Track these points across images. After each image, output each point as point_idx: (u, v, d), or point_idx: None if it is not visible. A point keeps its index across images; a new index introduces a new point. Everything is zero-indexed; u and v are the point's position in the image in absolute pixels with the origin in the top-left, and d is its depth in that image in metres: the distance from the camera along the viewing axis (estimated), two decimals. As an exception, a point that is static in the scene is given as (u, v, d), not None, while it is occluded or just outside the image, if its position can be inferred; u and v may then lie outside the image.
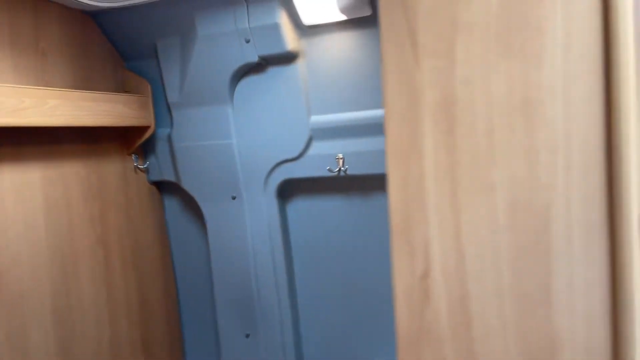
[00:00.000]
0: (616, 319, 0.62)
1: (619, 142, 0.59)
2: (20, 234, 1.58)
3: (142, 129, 2.00)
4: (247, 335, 2.07)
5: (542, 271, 0.64)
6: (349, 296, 2.01)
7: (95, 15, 1.87)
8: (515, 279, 0.65)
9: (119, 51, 1.99)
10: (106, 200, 1.91)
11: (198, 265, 2.24)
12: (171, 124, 2.02)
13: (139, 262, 2.07)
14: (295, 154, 1.90)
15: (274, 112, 1.89)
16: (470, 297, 0.67)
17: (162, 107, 2.05)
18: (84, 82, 1.83)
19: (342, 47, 1.81)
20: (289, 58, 1.83)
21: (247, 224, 1.99)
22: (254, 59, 1.80)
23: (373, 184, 1.90)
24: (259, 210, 1.98)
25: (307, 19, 1.74)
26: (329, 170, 1.86)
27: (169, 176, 2.10)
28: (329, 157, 1.87)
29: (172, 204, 2.24)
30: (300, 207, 2.04)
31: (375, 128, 1.77)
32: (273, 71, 1.87)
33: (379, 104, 1.75)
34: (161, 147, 2.08)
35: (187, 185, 2.04)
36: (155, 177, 2.13)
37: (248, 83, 1.90)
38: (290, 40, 1.77)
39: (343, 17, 1.73)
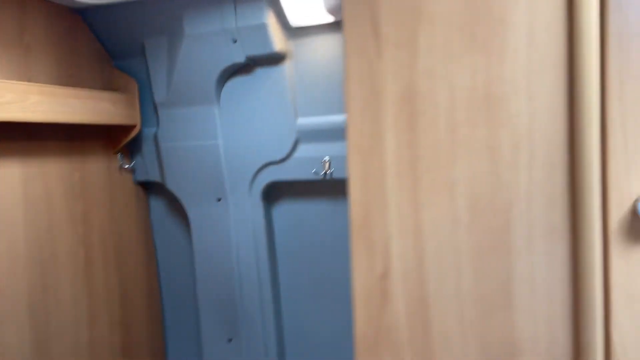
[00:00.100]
0: (577, 322, 0.59)
1: (582, 139, 0.57)
2: (-3, 231, 1.56)
3: (128, 128, 1.98)
4: (230, 340, 2.04)
5: (503, 272, 0.61)
6: (333, 301, 1.98)
7: (83, 13, 1.85)
8: (475, 280, 0.62)
9: (106, 49, 1.97)
10: (89, 199, 1.88)
11: (183, 267, 2.21)
12: (158, 123, 2.00)
13: (122, 263, 2.04)
14: (281, 156, 1.87)
15: (260, 113, 1.87)
16: (430, 298, 0.64)
17: (149, 107, 2.03)
18: (70, 79, 1.81)
19: (330, 48, 1.80)
20: (276, 59, 1.81)
21: (231, 227, 1.97)
22: (241, 59, 1.78)
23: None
24: (243, 213, 1.95)
25: (294, 20, 1.72)
26: (315, 173, 1.84)
27: (154, 176, 2.08)
28: (315, 160, 1.85)
29: (157, 205, 2.21)
30: (286, 210, 2.01)
31: None
32: (260, 72, 1.85)
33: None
34: (147, 146, 2.06)
35: (172, 186, 2.01)
36: (141, 177, 2.10)
37: (235, 84, 1.89)
38: (277, 41, 1.75)
39: (331, 19, 1.71)
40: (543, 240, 0.60)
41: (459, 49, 0.60)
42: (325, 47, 1.79)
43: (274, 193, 2.00)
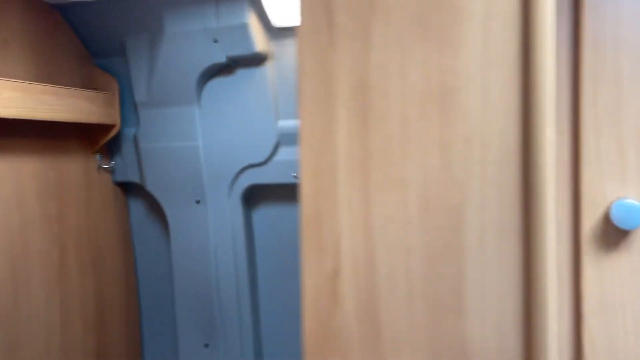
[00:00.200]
0: (529, 327, 0.56)
1: (536, 136, 0.54)
2: (-35, 228, 1.52)
3: (107, 127, 1.95)
4: (206, 345, 2.00)
5: (454, 274, 0.58)
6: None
7: (64, 10, 1.83)
8: (426, 281, 0.59)
9: (87, 47, 1.95)
10: (65, 199, 1.85)
11: (162, 270, 2.17)
12: (138, 123, 1.97)
13: (99, 265, 2.00)
14: (262, 159, 1.85)
15: (241, 115, 1.85)
16: (381, 300, 0.61)
17: (130, 106, 2.00)
18: (49, 76, 1.78)
19: (313, 51, 1.77)
20: (257, 60, 1.78)
21: (210, 230, 1.93)
22: (222, 59, 1.76)
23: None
24: (223, 216, 1.92)
25: (276, 20, 1.70)
26: (296, 177, 1.81)
27: (134, 177, 2.05)
28: (296, 163, 1.82)
29: (137, 206, 2.18)
30: (266, 214, 1.98)
31: None
32: (242, 73, 1.82)
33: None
34: (127, 147, 2.03)
35: (151, 187, 1.98)
36: (120, 177, 2.07)
37: (216, 84, 1.86)
38: (259, 41, 1.73)
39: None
40: (495, 241, 0.57)
41: (413, 40, 0.58)
42: (307, 49, 1.77)
43: (254, 196, 1.97)
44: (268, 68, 1.79)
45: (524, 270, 0.56)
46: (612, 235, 0.61)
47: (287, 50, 1.79)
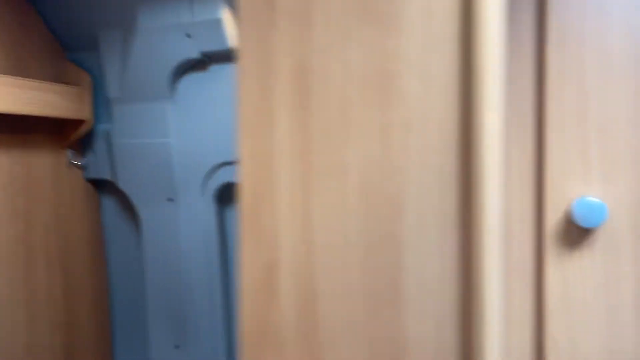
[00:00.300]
0: (468, 320, 0.54)
1: (477, 121, 0.53)
2: None
3: (79, 123, 1.91)
4: (177, 346, 1.97)
5: (393, 265, 0.56)
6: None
7: (36, 3, 1.79)
8: (364, 274, 0.58)
9: (60, 41, 1.91)
10: (33, 194, 1.80)
11: (134, 269, 2.14)
12: (111, 119, 1.93)
13: (68, 263, 1.96)
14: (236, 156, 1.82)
15: (215, 112, 1.82)
16: (319, 292, 0.59)
17: (103, 102, 1.97)
18: (19, 69, 1.74)
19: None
20: (232, 56, 1.76)
21: (182, 229, 1.90)
22: (196, 55, 1.73)
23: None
24: (195, 215, 1.89)
25: (252, 17, 1.68)
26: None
27: (106, 174, 2.01)
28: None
29: (109, 204, 2.14)
30: (240, 213, 1.95)
31: None
32: (216, 69, 1.80)
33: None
34: (99, 143, 1.99)
35: (123, 184, 1.95)
36: (92, 174, 2.03)
37: (190, 80, 1.83)
38: (233, 37, 1.71)
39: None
40: (435, 230, 0.55)
41: (355, 23, 0.56)
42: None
43: (228, 195, 1.94)
44: (243, 65, 1.77)
45: (464, 262, 0.55)
46: (575, 233, 0.60)
47: (263, 47, 1.77)
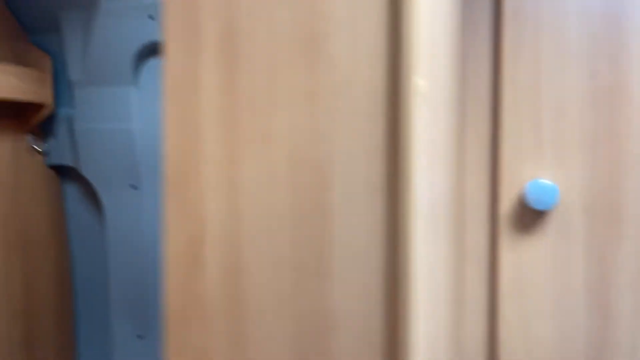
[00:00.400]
0: (394, 296, 0.53)
1: (404, 86, 0.51)
2: None
3: (39, 107, 1.86)
4: (140, 337, 1.94)
5: (321, 236, 0.55)
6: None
7: (-6, -19, 1.73)
8: (292, 245, 0.56)
9: (21, 23, 1.85)
10: (-10, 180, 1.75)
11: (97, 259, 2.09)
12: (73, 103, 1.88)
13: (28, 251, 1.91)
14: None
15: (180, 97, 1.78)
16: (245, 264, 0.57)
17: (65, 86, 1.91)
18: (-24, 51, 1.68)
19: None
20: (197, 40, 1.73)
21: (145, 216, 1.87)
22: (159, 37, 1.69)
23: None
24: (159, 202, 1.85)
25: None
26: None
27: (68, 160, 1.96)
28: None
29: (73, 191, 2.09)
30: (206, 201, 1.93)
31: None
32: (181, 53, 1.76)
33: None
34: (61, 128, 1.93)
35: (86, 171, 1.90)
36: (54, 160, 1.98)
37: (155, 65, 1.79)
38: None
39: None
40: (362, 202, 0.54)
41: None
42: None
43: (194, 182, 1.91)
44: (209, 49, 1.74)
45: (391, 233, 0.53)
46: (528, 216, 0.60)
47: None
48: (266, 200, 0.56)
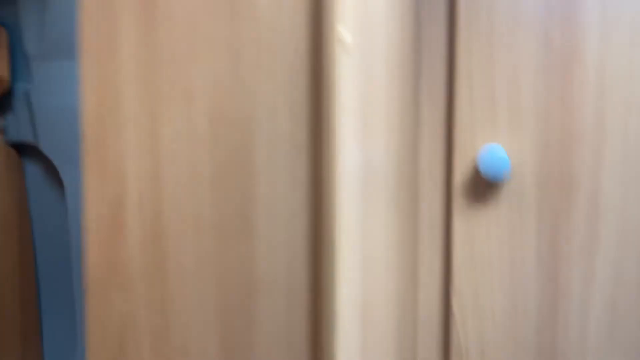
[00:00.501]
0: (319, 259, 0.52)
1: (327, 35, 0.49)
2: None
3: (-5, 82, 1.80)
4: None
5: (244, 197, 0.53)
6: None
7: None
8: (215, 206, 0.54)
9: (-26, -7, 1.78)
10: (-57, 157, 1.69)
11: (61, 241, 2.05)
12: (31, 78, 1.82)
13: (-13, 231, 1.86)
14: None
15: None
16: (167, 227, 0.56)
17: (22, 59, 1.85)
18: None
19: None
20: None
21: None
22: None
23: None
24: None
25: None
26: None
27: (27, 137, 1.90)
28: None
29: (34, 170, 2.03)
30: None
31: None
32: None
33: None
34: (19, 103, 1.88)
35: (45, 148, 1.85)
36: (13, 137, 1.92)
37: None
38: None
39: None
40: (286, 157, 0.52)
41: None
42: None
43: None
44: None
45: (316, 193, 0.52)
46: (481, 187, 0.59)
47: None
48: (187, 159, 0.54)
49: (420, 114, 0.59)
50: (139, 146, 0.55)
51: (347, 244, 0.49)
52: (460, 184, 0.59)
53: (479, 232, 0.59)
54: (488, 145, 0.58)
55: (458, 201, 0.59)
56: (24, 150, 2.01)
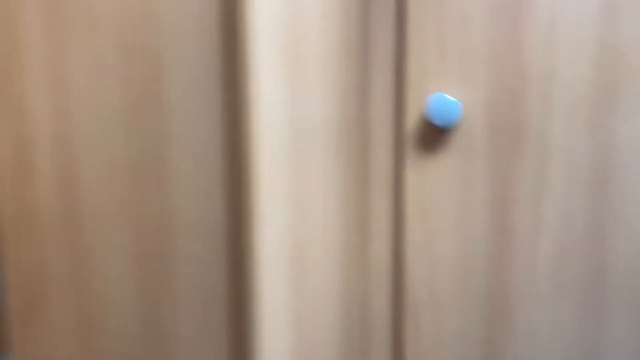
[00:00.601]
0: (237, 196, 0.51)
1: None
2: None
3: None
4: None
5: (157, 134, 0.50)
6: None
7: None
8: (128, 146, 0.51)
9: None
10: None
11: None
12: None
13: None
14: None
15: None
16: (79, 168, 0.52)
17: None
18: None
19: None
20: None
21: None
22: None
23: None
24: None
25: None
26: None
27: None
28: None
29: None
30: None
31: None
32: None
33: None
34: None
35: None
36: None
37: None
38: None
39: None
40: (199, 93, 0.50)
41: None
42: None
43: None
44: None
45: (232, 127, 0.50)
46: (432, 135, 0.58)
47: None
48: (96, 94, 0.51)
49: (369, 59, 0.57)
50: (44, 80, 0.51)
51: (271, 189, 0.47)
52: (412, 132, 0.58)
53: (430, 180, 0.59)
54: (438, 93, 0.57)
55: (410, 149, 0.58)
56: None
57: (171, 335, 0.55)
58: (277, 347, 0.52)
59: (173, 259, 0.53)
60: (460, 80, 0.56)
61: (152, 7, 0.48)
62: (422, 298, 0.59)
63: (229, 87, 0.49)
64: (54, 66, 0.50)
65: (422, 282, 0.58)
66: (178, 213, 0.52)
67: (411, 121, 0.57)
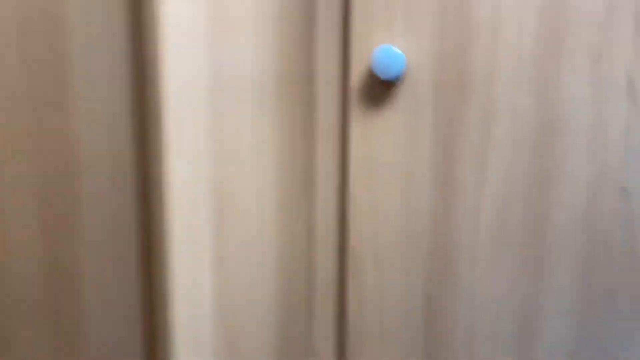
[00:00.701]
0: (143, 130, 0.49)
1: None
2: None
3: None
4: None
5: (57, 59, 0.46)
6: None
7: None
8: (24, 74, 0.48)
9: None
10: None
11: None
12: None
13: None
14: None
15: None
16: None
17: None
18: None
19: None
20: None
21: None
22: None
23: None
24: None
25: None
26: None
27: None
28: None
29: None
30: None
31: None
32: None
33: None
34: None
35: None
36: None
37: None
38: None
39: None
40: (102, 27, 0.48)
41: None
42: None
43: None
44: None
45: (136, 67, 0.48)
46: (378, 89, 0.57)
47: None
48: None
49: (315, 11, 0.55)
50: None
51: (184, 124, 0.45)
52: (357, 87, 0.57)
53: (376, 136, 0.58)
54: (384, 45, 0.55)
55: (355, 104, 0.57)
56: None
57: (79, 277, 0.53)
58: (197, 292, 0.51)
59: (78, 199, 0.51)
60: (407, 33, 0.55)
61: None
62: (365, 254, 0.58)
63: (133, 8, 0.46)
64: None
65: (365, 238, 0.58)
66: (82, 147, 0.49)
67: (357, 74, 0.56)
